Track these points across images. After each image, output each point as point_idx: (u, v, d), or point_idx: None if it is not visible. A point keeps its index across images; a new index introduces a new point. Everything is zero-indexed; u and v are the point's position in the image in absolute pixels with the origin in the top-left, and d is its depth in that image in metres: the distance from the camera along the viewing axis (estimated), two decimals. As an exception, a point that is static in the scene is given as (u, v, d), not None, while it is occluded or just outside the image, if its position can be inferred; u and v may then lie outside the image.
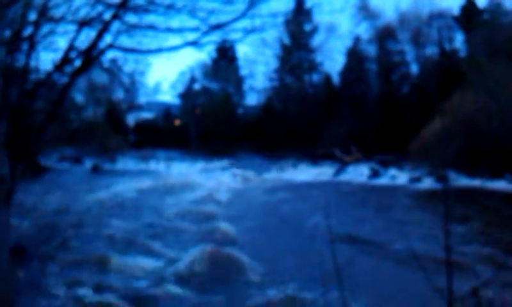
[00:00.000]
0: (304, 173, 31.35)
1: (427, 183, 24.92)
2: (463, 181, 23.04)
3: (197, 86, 53.97)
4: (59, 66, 7.50)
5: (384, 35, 42.51)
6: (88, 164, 37.46)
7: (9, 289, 6.50)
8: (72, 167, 37.33)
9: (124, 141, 42.61)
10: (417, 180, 25.82)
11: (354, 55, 44.01)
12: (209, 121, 47.63)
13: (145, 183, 25.60)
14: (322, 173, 31.21)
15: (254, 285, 8.90)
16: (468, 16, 39.24)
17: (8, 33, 7.17)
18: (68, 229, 12.19)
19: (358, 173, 29.78)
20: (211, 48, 51.05)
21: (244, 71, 52.79)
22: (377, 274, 9.61)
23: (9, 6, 7.10)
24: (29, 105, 7.61)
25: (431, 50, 41.57)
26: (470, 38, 38.00)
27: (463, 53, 39.81)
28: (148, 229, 13.99)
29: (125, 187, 24.19)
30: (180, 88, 54.27)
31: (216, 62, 52.09)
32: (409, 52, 42.40)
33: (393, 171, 28.70)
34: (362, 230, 13.60)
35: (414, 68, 42.66)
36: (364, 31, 44.27)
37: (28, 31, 7.77)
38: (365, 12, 43.78)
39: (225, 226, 13.99)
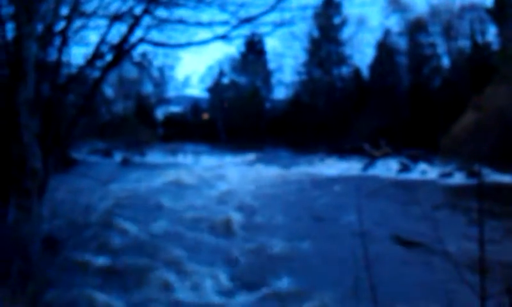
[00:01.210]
0: (333, 168, 31.13)
1: (458, 178, 24.50)
2: (495, 176, 22.52)
3: (225, 80, 54.10)
4: (91, 61, 7.60)
5: (415, 28, 41.83)
6: (118, 157, 37.94)
7: (41, 279, 6.62)
8: (102, 160, 37.84)
9: (153, 135, 43.09)
10: (448, 175, 25.40)
11: (384, 48, 43.45)
12: (237, 115, 47.70)
13: (174, 176, 25.79)
14: (350, 167, 30.95)
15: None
16: (501, 9, 38.26)
17: (40, 27, 7.29)
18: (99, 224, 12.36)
19: (387, 168, 29.45)
20: (240, 41, 51.15)
21: (272, 65, 52.63)
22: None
23: (42, 1, 7.21)
24: (61, 99, 7.73)
25: (463, 43, 40.76)
26: (502, 30, 37.11)
27: (495, 46, 38.90)
28: (184, 224, 14.03)
29: (156, 180, 24.47)
30: (209, 82, 54.48)
31: (244, 56, 52.03)
32: (441, 45, 41.65)
33: (423, 166, 28.29)
34: (400, 228, 13.32)
35: (445, 62, 41.92)
36: (394, 23, 43.68)
37: (60, 26, 7.88)
38: (396, 4, 43.16)
39: (261, 220, 13.78)
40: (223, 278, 9.17)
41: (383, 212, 15.90)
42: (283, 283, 9.01)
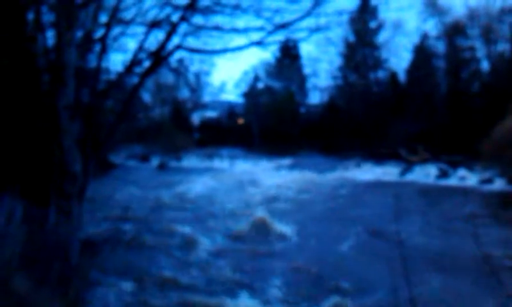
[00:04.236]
0: (369, 173, 30.79)
1: (499, 184, 23.87)
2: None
3: (260, 85, 54.25)
4: (129, 67, 7.74)
5: (453, 31, 41.03)
6: (155, 161, 38.51)
7: (81, 281, 6.75)
8: (140, 164, 38.52)
9: (189, 139, 43.58)
10: (488, 181, 24.77)
11: (422, 52, 42.74)
12: (272, 120, 47.71)
13: (208, 181, 25.97)
14: (387, 172, 30.53)
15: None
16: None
17: (80, 35, 7.46)
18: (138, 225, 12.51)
19: (425, 173, 28.91)
20: (275, 47, 51.25)
21: (307, 70, 52.50)
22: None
23: (82, 9, 7.38)
24: (101, 105, 7.89)
25: (503, 47, 39.74)
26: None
27: (537, 49, 37.83)
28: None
29: (192, 185, 24.68)
30: (244, 87, 54.74)
31: (279, 61, 52.05)
32: (480, 49, 40.69)
33: (462, 172, 27.65)
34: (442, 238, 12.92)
35: (485, 65, 40.93)
36: (432, 27, 42.91)
37: (99, 33, 8.06)
38: (433, 8, 42.44)
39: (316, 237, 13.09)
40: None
41: (424, 220, 15.50)
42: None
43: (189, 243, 11.30)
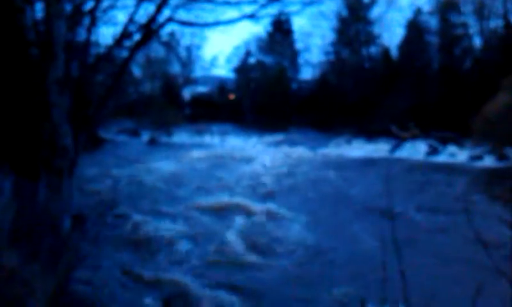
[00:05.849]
0: (360, 149, 30.86)
1: (488, 161, 24.04)
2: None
3: (252, 60, 53.85)
4: (119, 40, 7.62)
5: (446, 7, 40.85)
6: (145, 136, 38.32)
7: (71, 256, 6.73)
8: (130, 139, 38.30)
9: (180, 115, 43.28)
10: (478, 158, 24.94)
11: (415, 27, 42.57)
12: (263, 96, 47.53)
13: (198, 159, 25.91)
14: (377, 149, 30.62)
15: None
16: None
17: (69, 7, 7.32)
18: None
19: (415, 150, 29.00)
20: (267, 21, 50.80)
21: (299, 45, 52.14)
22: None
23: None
24: (90, 79, 7.79)
25: (496, 23, 39.68)
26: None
27: (529, 25, 37.77)
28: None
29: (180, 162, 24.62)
30: (235, 62, 54.34)
31: (271, 35, 51.65)
32: (473, 25, 40.59)
33: (452, 149, 27.78)
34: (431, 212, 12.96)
35: (477, 42, 40.89)
36: (425, 2, 42.75)
37: (89, 6, 7.92)
38: (426, -17, 42.19)
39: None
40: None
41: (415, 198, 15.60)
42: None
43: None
